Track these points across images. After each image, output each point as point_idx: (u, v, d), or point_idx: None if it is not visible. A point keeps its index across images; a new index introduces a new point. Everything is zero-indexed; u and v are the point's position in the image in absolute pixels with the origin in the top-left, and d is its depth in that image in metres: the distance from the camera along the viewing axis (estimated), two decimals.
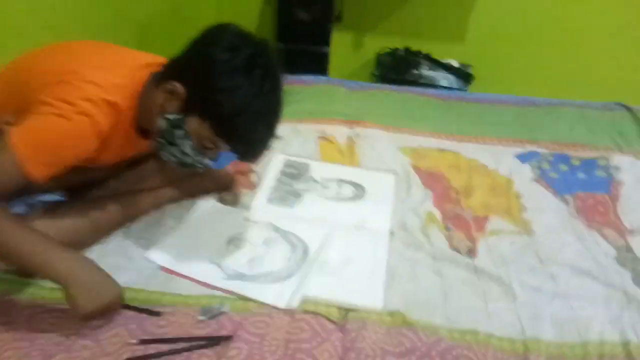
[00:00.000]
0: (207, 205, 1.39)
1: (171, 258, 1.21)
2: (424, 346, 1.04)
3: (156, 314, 1.07)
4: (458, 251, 1.31)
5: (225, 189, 1.45)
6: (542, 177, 1.61)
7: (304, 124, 1.78)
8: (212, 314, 1.08)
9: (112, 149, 1.11)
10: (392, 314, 1.11)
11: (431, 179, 1.57)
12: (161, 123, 1.09)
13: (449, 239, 1.35)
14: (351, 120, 1.82)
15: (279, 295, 1.14)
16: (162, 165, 1.32)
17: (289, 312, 1.10)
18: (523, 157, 1.69)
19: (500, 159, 1.67)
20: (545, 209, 1.48)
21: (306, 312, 1.10)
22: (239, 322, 1.06)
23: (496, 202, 1.50)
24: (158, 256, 1.22)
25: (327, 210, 1.42)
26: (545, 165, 1.66)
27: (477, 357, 1.03)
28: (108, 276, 1.02)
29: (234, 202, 1.41)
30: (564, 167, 1.66)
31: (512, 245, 1.35)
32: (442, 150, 1.71)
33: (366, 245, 1.29)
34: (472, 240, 1.35)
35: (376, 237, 1.32)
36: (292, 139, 1.70)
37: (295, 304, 1.11)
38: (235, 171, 1.47)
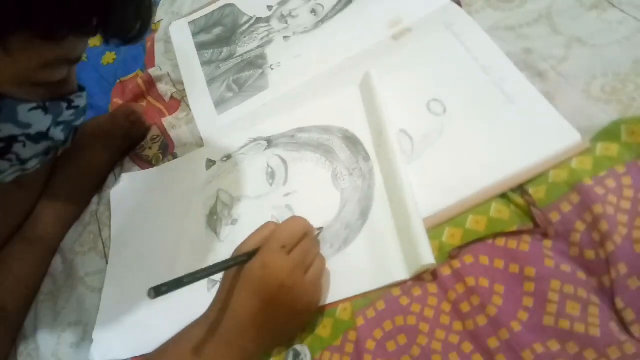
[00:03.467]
0: (124, 191, 0.69)
1: (135, 336, 0.56)
2: None
3: None
4: None
5: (136, 138, 0.73)
6: None
7: None
8: None
9: None
10: (611, 132, 0.48)
11: None
12: None
13: None
14: None
15: (382, 258, 0.50)
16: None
17: (425, 278, 0.47)
18: None
19: None
20: None
21: (455, 253, 0.47)
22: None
23: None
24: (112, 349, 0.56)
25: (321, 48, 0.70)
26: None
27: None
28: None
29: (163, 150, 0.71)
30: None
31: None
32: None
33: (445, 52, 0.61)
34: None
35: (446, 25, 0.63)
36: None
37: (427, 255, 0.47)
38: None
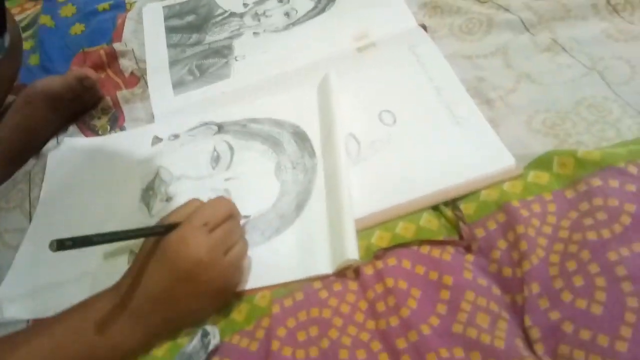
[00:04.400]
0: (63, 155, 0.67)
1: (42, 298, 0.53)
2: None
3: None
4: None
5: (86, 105, 0.71)
6: None
7: None
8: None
9: None
10: (543, 162, 0.49)
11: None
12: None
13: None
14: None
15: (308, 251, 0.49)
16: None
17: (347, 274, 0.47)
18: None
19: None
20: None
21: (380, 254, 0.47)
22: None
23: None
24: (17, 307, 0.53)
25: (288, 49, 0.71)
26: None
27: None
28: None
29: (112, 122, 0.69)
30: None
31: None
32: None
33: (404, 70, 0.63)
34: None
35: (409, 45, 0.65)
36: None
37: (352, 250, 0.46)
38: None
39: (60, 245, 0.37)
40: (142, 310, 0.44)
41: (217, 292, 0.46)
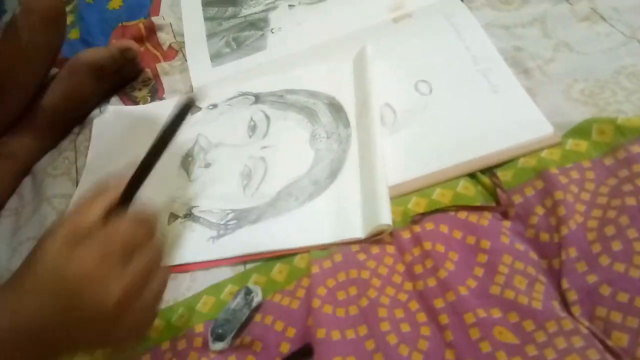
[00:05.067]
0: (107, 123, 0.68)
1: None
2: None
3: None
4: None
5: (127, 77, 0.73)
6: None
7: None
8: (234, 324, 0.45)
9: None
10: (582, 129, 0.49)
11: None
12: None
13: None
14: None
15: (341, 216, 0.50)
16: None
17: (384, 238, 0.47)
18: None
19: None
20: None
21: (418, 219, 0.47)
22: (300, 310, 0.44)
23: None
24: None
25: (324, 20, 0.71)
26: None
27: None
28: None
29: (152, 94, 0.71)
30: None
31: None
32: None
33: (440, 40, 0.62)
34: None
35: (445, 15, 0.64)
36: None
37: (385, 216, 0.47)
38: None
39: None
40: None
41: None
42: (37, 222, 0.60)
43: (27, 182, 0.65)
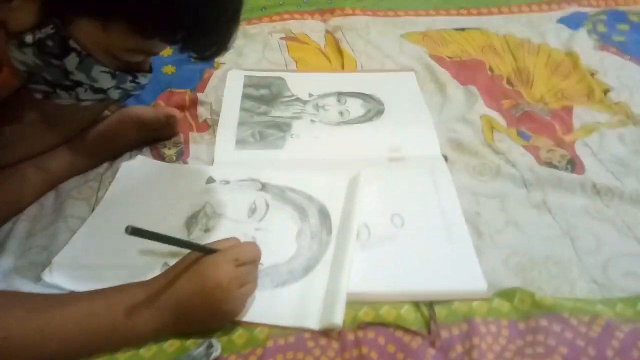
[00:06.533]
0: (133, 168, 0.79)
1: (84, 276, 0.62)
2: (583, 339, 0.54)
3: None
4: (554, 166, 0.80)
5: (162, 136, 0.84)
6: (607, 42, 1.11)
7: (256, 26, 1.16)
8: None
9: None
10: (508, 294, 0.60)
11: (466, 70, 1.02)
12: (21, 54, 0.56)
13: (533, 150, 0.83)
14: (322, 10, 1.22)
15: (303, 306, 0.59)
16: (48, 113, 0.70)
17: (332, 334, 0.56)
18: (569, 22, 1.18)
19: (543, 29, 1.15)
20: (637, 83, 0.99)
21: (363, 326, 0.56)
22: None
23: (569, 86, 0.98)
24: (62, 277, 0.62)
25: (335, 141, 0.85)
26: (602, 28, 1.16)
27: None
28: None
29: (178, 155, 0.81)
30: (624, 27, 1.16)
31: (622, 140, 0.85)
32: (462, 30, 1.16)
33: (420, 187, 0.75)
34: (564, 145, 0.84)
35: (430, 168, 0.78)
36: (244, 48, 1.09)
37: (338, 317, 0.56)
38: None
39: (135, 231, 0.47)
40: (166, 308, 0.54)
41: (223, 313, 0.55)
42: (49, 234, 0.67)
43: (50, 196, 0.73)
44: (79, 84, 0.60)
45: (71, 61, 0.56)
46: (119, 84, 0.62)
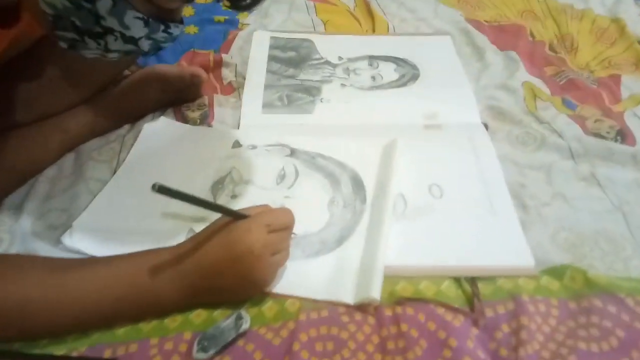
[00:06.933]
0: (156, 131, 0.74)
1: (106, 240, 0.59)
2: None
3: None
4: (602, 137, 0.74)
5: (186, 97, 0.79)
6: None
7: None
8: (219, 341, 0.49)
9: None
10: (557, 271, 0.55)
11: (505, 35, 0.95)
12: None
13: (579, 119, 0.77)
14: None
15: (337, 279, 0.55)
16: (69, 67, 0.66)
17: (369, 309, 0.52)
18: None
19: None
20: None
21: (402, 302, 0.52)
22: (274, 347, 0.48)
23: (616, 54, 0.92)
24: (83, 241, 0.59)
25: (367, 107, 0.79)
26: None
27: None
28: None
29: (202, 118, 0.77)
30: None
31: None
32: None
33: (460, 156, 0.70)
34: (612, 115, 0.78)
35: (469, 137, 0.72)
36: (269, 8, 1.02)
37: (375, 291, 0.52)
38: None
39: (162, 189, 0.43)
40: (192, 273, 0.50)
41: (253, 282, 0.51)
42: (69, 197, 0.64)
43: (69, 157, 0.70)
44: (109, 31, 0.54)
45: (104, 4, 0.51)
46: (150, 34, 0.57)
